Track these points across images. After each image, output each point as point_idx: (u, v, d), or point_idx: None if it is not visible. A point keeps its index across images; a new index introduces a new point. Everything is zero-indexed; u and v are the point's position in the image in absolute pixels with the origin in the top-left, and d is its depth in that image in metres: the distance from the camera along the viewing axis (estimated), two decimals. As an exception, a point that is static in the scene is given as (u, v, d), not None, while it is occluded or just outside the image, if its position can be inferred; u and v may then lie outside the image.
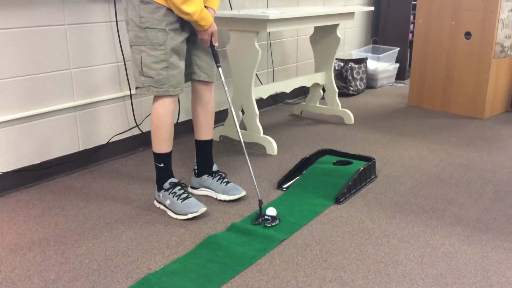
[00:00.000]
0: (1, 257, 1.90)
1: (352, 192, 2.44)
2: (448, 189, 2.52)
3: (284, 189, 2.51)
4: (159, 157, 2.25)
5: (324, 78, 3.63)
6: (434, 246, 1.98)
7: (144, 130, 3.07)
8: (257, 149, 3.09)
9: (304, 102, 3.86)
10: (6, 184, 2.47)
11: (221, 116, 3.39)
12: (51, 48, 2.55)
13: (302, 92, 4.37)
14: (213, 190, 2.40)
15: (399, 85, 5.00)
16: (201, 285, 1.71)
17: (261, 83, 3.83)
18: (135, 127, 3.03)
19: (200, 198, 2.38)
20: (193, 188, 2.47)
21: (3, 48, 2.36)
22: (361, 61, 4.64)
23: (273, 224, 2.12)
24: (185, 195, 2.22)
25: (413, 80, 4.13)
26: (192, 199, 2.22)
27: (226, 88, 2.30)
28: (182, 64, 2.17)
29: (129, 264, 1.86)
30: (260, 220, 2.15)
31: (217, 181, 2.40)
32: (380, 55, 4.94)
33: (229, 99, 2.32)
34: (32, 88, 2.51)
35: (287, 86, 3.39)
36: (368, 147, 3.15)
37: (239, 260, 1.87)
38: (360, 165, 2.56)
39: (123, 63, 2.89)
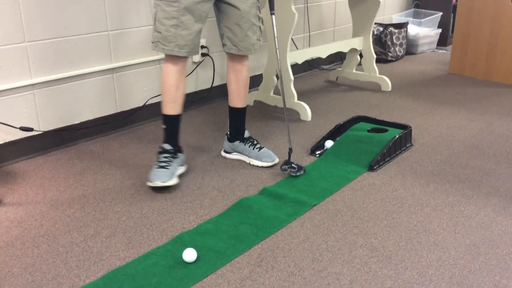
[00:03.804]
0: (43, 212, 1.99)
1: (386, 160, 2.42)
2: (486, 159, 2.45)
3: (317, 155, 2.51)
4: (163, 118, 2.24)
5: (362, 43, 3.54)
6: (468, 216, 1.95)
7: (179, 93, 3.10)
8: (291, 115, 3.07)
9: (340, 68, 3.79)
10: (47, 142, 2.56)
11: (256, 81, 3.38)
12: (89, 10, 2.57)
13: (338, 57, 4.29)
14: (246, 156, 2.42)
15: (440, 51, 4.83)
16: (232, 246, 1.75)
17: (297, 48, 3.78)
18: (170, 90, 3.06)
19: (233, 161, 2.41)
20: (226, 152, 2.49)
21: (43, 10, 2.40)
22: (401, 26, 4.50)
23: (298, 173, 2.23)
24: (164, 164, 2.17)
25: (455, 47, 3.98)
26: (175, 170, 2.19)
27: (276, 40, 2.31)
28: (196, 26, 2.10)
29: (164, 222, 1.91)
30: (286, 167, 2.25)
31: (249, 147, 2.41)
32: (422, 20, 4.77)
33: (277, 48, 2.35)
34: (71, 49, 2.56)
35: (323, 51, 3.33)
36: (405, 115, 3.09)
37: (270, 223, 1.89)
38: (396, 133, 2.52)
39: (159, 25, 2.89)
